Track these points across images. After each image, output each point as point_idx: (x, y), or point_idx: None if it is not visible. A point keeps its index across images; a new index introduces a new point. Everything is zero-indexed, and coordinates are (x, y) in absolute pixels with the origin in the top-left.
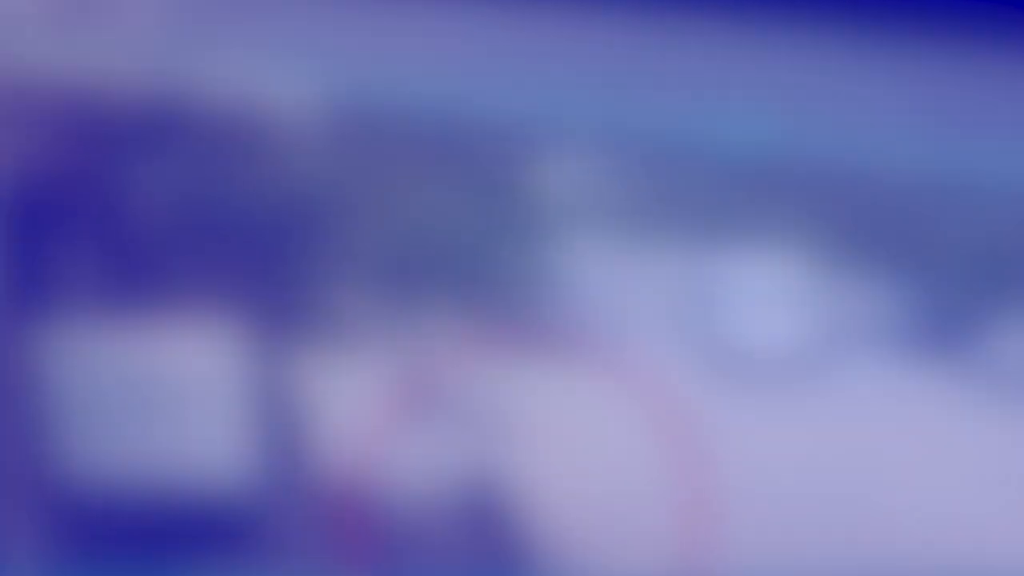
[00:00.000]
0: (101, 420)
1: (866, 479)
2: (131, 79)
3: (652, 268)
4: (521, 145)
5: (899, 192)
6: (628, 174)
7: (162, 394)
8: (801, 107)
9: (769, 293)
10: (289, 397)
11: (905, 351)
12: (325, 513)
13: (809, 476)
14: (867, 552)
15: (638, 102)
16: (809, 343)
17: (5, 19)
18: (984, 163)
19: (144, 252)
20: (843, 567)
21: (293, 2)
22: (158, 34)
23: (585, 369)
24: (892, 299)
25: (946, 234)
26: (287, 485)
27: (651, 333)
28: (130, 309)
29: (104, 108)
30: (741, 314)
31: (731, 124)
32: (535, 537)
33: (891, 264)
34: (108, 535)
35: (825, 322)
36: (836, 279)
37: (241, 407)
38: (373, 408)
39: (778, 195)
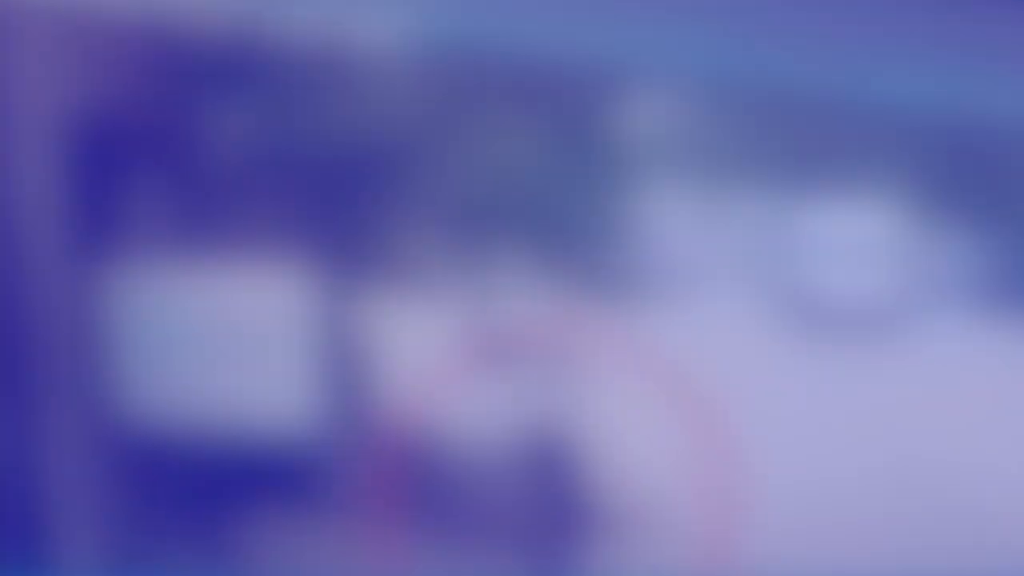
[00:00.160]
0: (167, 359)
1: (943, 444)
2: (212, 14)
3: (732, 217)
4: (602, 89)
5: (997, 144)
6: (710, 119)
7: (229, 334)
8: (893, 50)
9: (852, 245)
10: (358, 342)
11: (992, 311)
12: (386, 460)
13: (883, 438)
14: (945, 528)
15: (723, 45)
16: (891, 299)
17: None
18: None
19: (217, 190)
20: (920, 534)
21: None
22: None
23: (657, 323)
24: (979, 256)
25: None
26: (350, 431)
27: (727, 284)
28: (200, 248)
29: (183, 44)
30: (821, 266)
31: (820, 68)
32: (592, 494)
33: (984, 218)
34: (170, 474)
35: (908, 278)
36: (923, 233)
37: (308, 350)
38: (440, 356)
39: (865, 143)
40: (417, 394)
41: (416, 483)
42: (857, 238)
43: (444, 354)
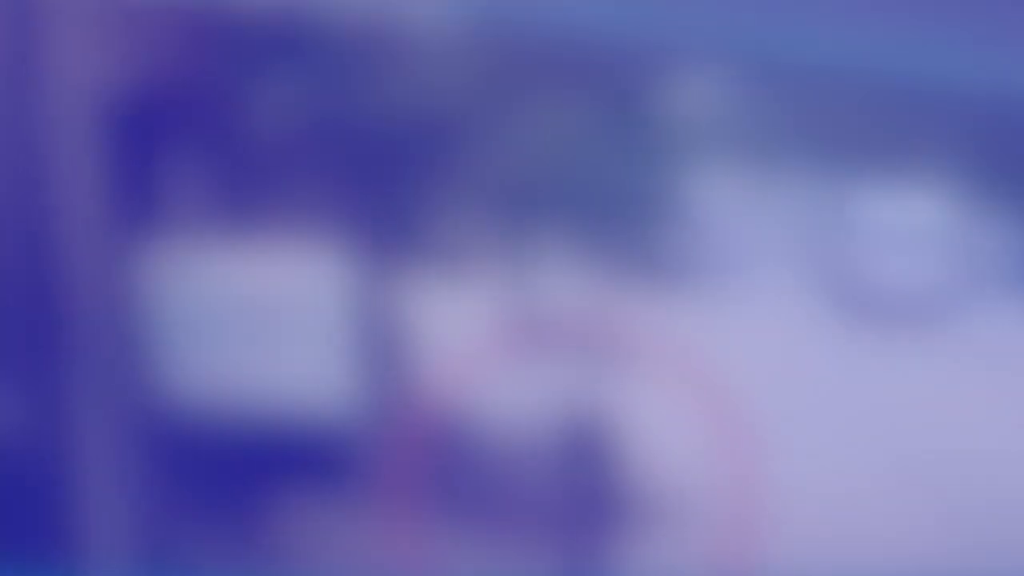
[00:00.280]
0: (205, 336)
1: (992, 434)
2: None
3: (782, 200)
4: (650, 69)
5: None
6: (762, 101)
7: (271, 315)
8: (948, 32)
9: (902, 231)
10: (400, 324)
11: None
12: (423, 443)
13: (932, 428)
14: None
15: (772, 24)
16: (942, 285)
17: None
18: None
19: (261, 171)
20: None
21: None
22: None
23: (703, 311)
24: None
25: None
26: (392, 413)
27: (777, 267)
28: (242, 228)
29: (228, 20)
30: (871, 252)
31: (875, 51)
32: (631, 481)
33: None
34: (208, 454)
35: (961, 264)
36: (976, 218)
37: (347, 330)
38: (480, 340)
39: (917, 126)
40: (457, 377)
41: (451, 466)
42: (908, 223)
43: (484, 337)
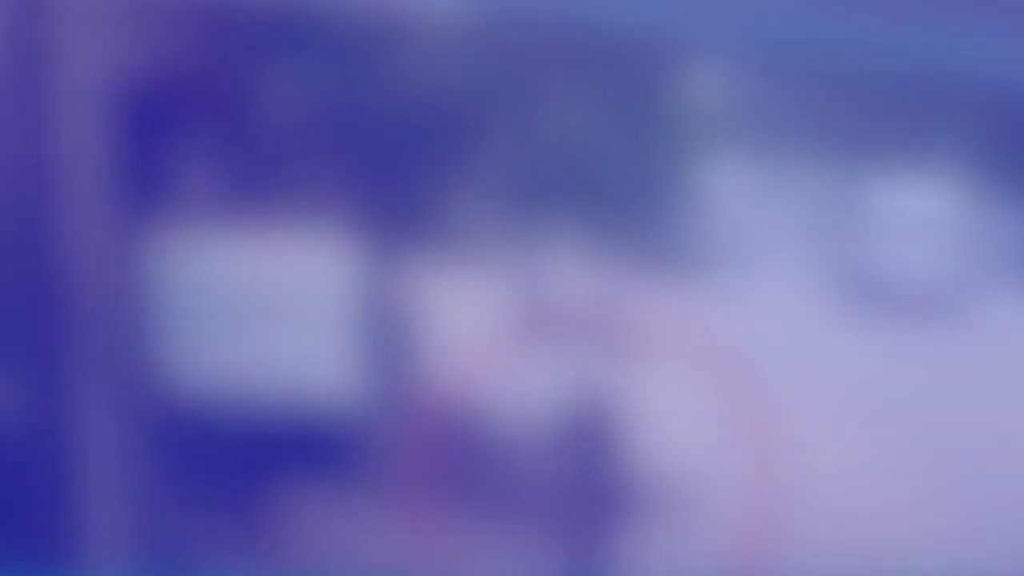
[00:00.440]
0: (216, 328)
1: (1002, 425)
2: None
3: (796, 190)
4: (661, 58)
5: None
6: (771, 90)
7: (277, 303)
8: (957, 22)
9: (913, 221)
10: (404, 313)
11: None
12: (430, 432)
13: (942, 419)
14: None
15: (784, 14)
16: (952, 276)
17: None
18: None
19: (271, 159)
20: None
21: None
22: None
23: (713, 299)
24: None
25: None
26: (401, 401)
27: (790, 257)
28: (251, 216)
29: (233, 9)
30: (881, 241)
31: (885, 39)
32: (642, 471)
33: None
34: (217, 444)
35: (972, 254)
36: (989, 208)
37: (356, 320)
38: (491, 328)
39: (928, 115)
40: (471, 366)
41: (465, 457)
42: (922, 212)
43: (497, 327)
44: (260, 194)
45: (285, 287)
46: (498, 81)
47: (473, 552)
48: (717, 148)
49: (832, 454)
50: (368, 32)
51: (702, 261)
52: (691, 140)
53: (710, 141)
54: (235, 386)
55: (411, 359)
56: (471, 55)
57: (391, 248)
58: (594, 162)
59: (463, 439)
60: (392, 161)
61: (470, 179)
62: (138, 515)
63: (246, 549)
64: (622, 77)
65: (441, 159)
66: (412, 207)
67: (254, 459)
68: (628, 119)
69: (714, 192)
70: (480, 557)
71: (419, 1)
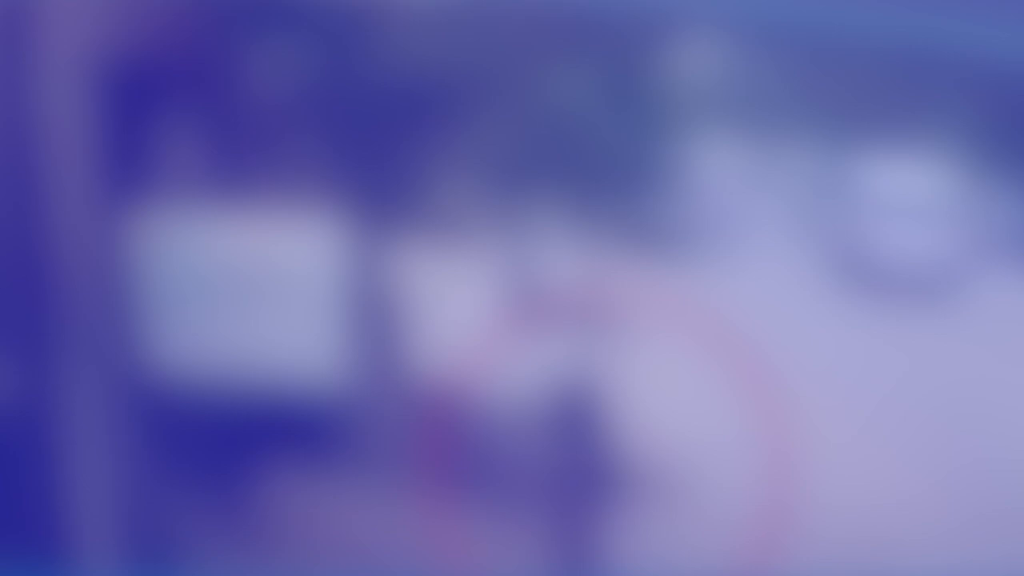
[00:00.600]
0: (199, 306)
1: (1000, 408)
2: None
3: (790, 169)
4: (651, 35)
5: None
6: (766, 67)
7: (262, 285)
8: (953, 0)
9: (907, 200)
10: (394, 296)
11: None
12: (421, 417)
13: (939, 402)
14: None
15: None
16: (946, 256)
17: None
18: None
19: (258, 140)
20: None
21: None
22: None
23: (708, 281)
24: None
25: None
26: (393, 388)
27: (777, 237)
28: (239, 197)
29: None
30: (877, 222)
31: (876, 15)
32: (638, 457)
33: None
34: (199, 423)
35: (964, 235)
36: (983, 189)
37: (343, 303)
38: (479, 313)
39: (922, 93)
40: (460, 349)
41: (459, 443)
42: (919, 191)
43: (487, 311)
44: (248, 177)
45: (275, 271)
46: (488, 60)
47: (470, 541)
48: (711, 127)
49: (832, 438)
50: (354, 10)
51: (698, 242)
52: (685, 119)
53: (704, 120)
54: (225, 371)
55: (402, 342)
56: (459, 33)
57: (379, 230)
58: (587, 142)
59: (457, 424)
60: (380, 141)
61: (459, 158)
62: (127, 502)
63: (234, 537)
64: (614, 56)
65: (430, 139)
66: (401, 188)
67: (244, 445)
68: (621, 98)
69: (709, 172)
70: (478, 546)
71: None
